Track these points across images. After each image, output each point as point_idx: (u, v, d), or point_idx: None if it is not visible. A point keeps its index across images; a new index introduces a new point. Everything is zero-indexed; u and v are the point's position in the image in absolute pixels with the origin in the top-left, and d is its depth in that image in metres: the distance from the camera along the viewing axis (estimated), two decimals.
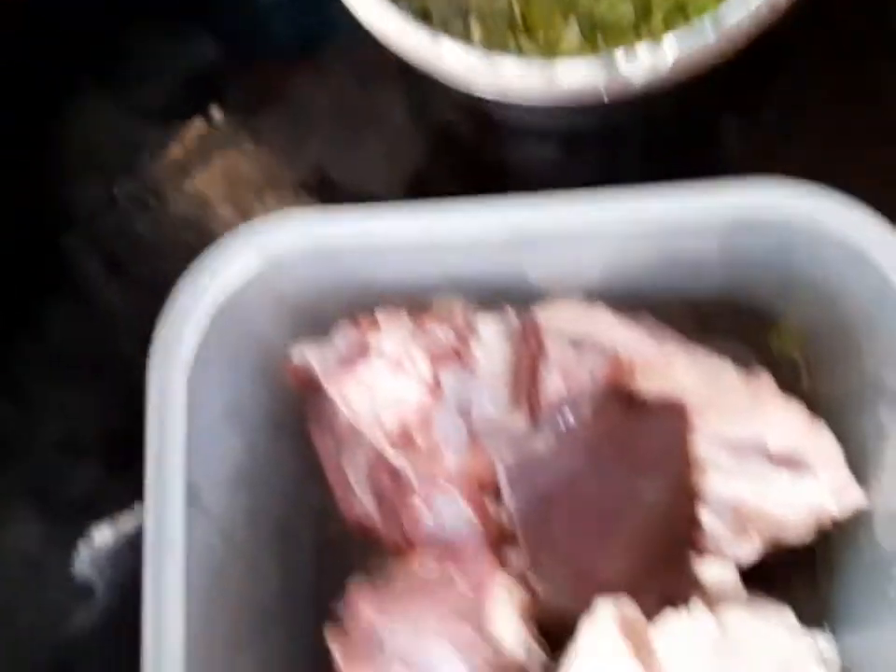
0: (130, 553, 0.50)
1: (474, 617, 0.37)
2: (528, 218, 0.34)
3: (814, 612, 0.44)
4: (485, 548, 0.39)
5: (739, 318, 0.47)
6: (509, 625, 0.37)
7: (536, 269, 0.40)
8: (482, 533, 0.40)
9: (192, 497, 0.37)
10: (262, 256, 0.36)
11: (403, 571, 0.40)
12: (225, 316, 0.37)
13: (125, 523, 0.51)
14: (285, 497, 0.44)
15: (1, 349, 0.53)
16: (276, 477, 0.44)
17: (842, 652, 0.41)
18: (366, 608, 0.39)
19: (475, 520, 0.40)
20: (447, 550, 0.40)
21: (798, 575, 0.45)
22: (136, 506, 0.51)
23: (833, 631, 0.43)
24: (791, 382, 0.44)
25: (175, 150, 0.52)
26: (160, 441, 0.37)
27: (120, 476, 0.51)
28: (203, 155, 0.53)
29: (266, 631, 0.43)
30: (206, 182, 0.52)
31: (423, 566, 0.40)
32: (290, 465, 0.45)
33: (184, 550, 0.36)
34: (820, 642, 0.41)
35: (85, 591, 0.51)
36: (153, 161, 0.52)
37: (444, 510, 0.40)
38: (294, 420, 0.46)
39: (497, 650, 0.37)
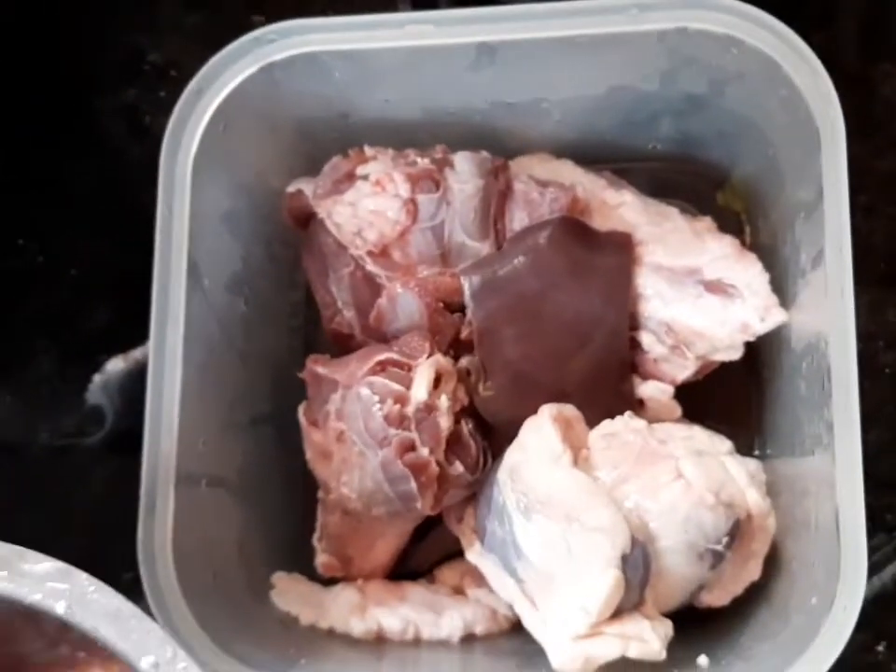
0: (139, 383, 0.56)
1: (401, 379, 0.43)
2: (491, 28, 0.40)
3: (746, 440, 0.49)
4: (427, 338, 0.44)
5: (691, 181, 0.52)
6: (423, 385, 0.42)
7: (509, 107, 0.45)
8: (428, 331, 0.45)
9: (194, 273, 0.42)
10: (261, 64, 0.42)
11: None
12: (227, 123, 0.43)
13: (135, 356, 0.57)
14: (276, 313, 0.50)
15: (29, 199, 0.58)
16: (270, 292, 0.49)
17: (769, 473, 0.45)
18: (316, 367, 0.45)
19: (426, 322, 0.45)
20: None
21: (733, 407, 0.50)
22: (146, 342, 0.57)
23: (763, 456, 0.48)
24: (735, 232, 0.49)
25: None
26: (166, 224, 0.42)
27: (133, 314, 0.56)
28: None
29: (255, 424, 0.48)
30: None
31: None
32: (282, 285, 0.50)
33: (184, 320, 0.41)
34: (750, 464, 0.45)
35: (97, 415, 0.57)
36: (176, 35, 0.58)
37: (404, 309, 0.46)
38: (287, 254, 0.51)
39: (411, 402, 0.42)
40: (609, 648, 0.39)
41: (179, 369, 0.42)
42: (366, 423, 0.43)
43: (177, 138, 0.42)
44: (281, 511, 0.50)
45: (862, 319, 0.50)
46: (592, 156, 0.51)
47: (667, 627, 0.41)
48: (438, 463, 0.43)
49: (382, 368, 0.44)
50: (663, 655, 0.39)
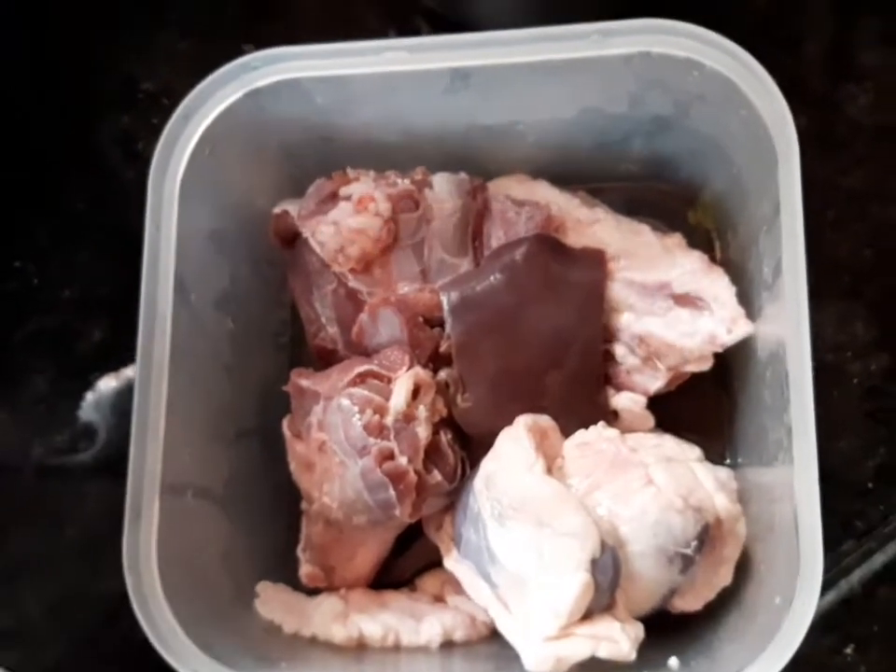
0: (130, 401, 0.58)
1: (381, 390, 0.45)
2: (463, 54, 0.42)
3: (717, 448, 0.50)
4: (406, 352, 0.46)
5: (662, 200, 0.54)
6: (402, 395, 0.44)
7: (485, 130, 0.47)
8: (408, 345, 0.47)
9: (181, 291, 0.44)
10: (246, 90, 0.44)
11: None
12: (214, 146, 0.45)
13: (127, 374, 0.59)
14: (262, 330, 0.52)
15: (28, 218, 0.60)
16: (256, 309, 0.51)
17: (740, 480, 0.46)
18: (299, 380, 0.47)
19: (405, 336, 0.47)
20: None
21: (704, 417, 0.51)
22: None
23: (735, 465, 0.50)
24: (705, 249, 0.50)
25: None
26: (153, 243, 0.44)
27: (126, 333, 0.58)
28: None
29: (241, 437, 0.50)
30: None
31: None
32: (268, 303, 0.52)
33: (171, 335, 0.43)
34: (720, 472, 0.46)
35: (89, 432, 0.58)
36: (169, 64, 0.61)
37: (385, 324, 0.47)
38: (273, 273, 0.53)
39: (390, 412, 0.44)
40: (579, 648, 0.40)
41: (165, 382, 0.43)
42: (346, 433, 0.45)
43: (165, 161, 0.44)
44: (266, 522, 0.51)
45: (831, 331, 0.52)
46: (567, 176, 0.53)
47: (638, 629, 0.42)
48: (416, 472, 0.45)
49: (362, 379, 0.46)
50: (632, 656, 0.40)
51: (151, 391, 0.43)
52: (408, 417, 0.45)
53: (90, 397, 0.59)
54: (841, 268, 0.53)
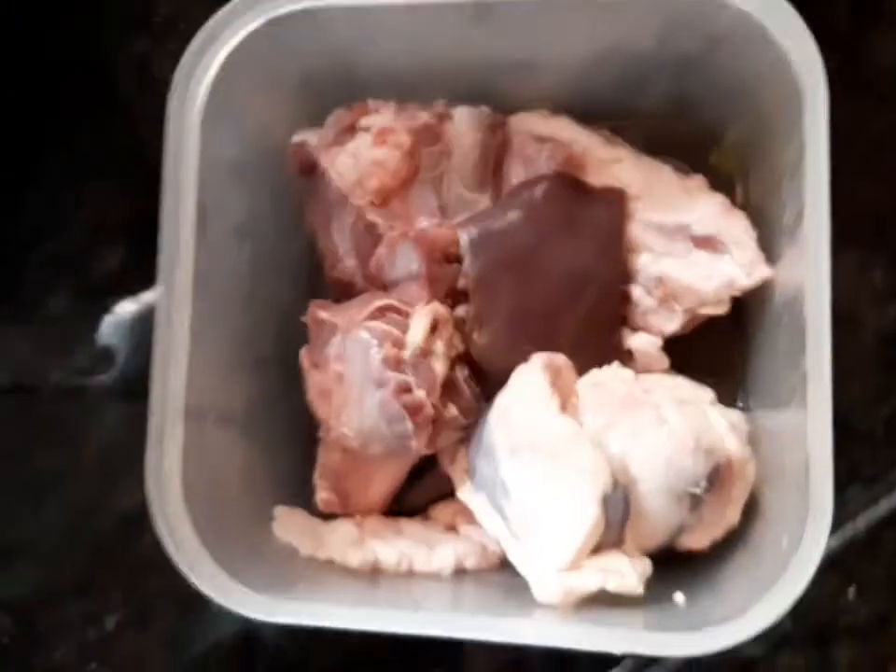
0: (149, 325, 0.58)
1: (399, 324, 0.45)
2: None
3: (730, 391, 0.51)
4: (424, 287, 0.46)
5: (685, 139, 0.53)
6: (419, 330, 0.45)
7: (507, 65, 0.47)
8: (426, 280, 0.47)
9: (202, 220, 0.44)
10: (267, 18, 0.43)
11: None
12: (233, 75, 0.44)
13: (145, 298, 0.59)
14: (280, 260, 0.52)
15: (45, 141, 0.60)
16: (274, 239, 0.51)
17: (751, 423, 0.47)
18: (318, 311, 0.47)
19: (424, 271, 0.47)
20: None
21: (718, 360, 0.52)
22: (155, 285, 0.59)
23: (746, 408, 0.50)
24: (726, 191, 0.50)
25: None
26: (174, 172, 0.44)
27: (143, 260, 0.59)
28: None
29: (260, 365, 0.50)
30: None
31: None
32: (286, 233, 0.52)
33: (193, 265, 0.43)
34: (732, 414, 0.47)
35: (108, 355, 0.59)
36: None
37: (403, 258, 0.47)
38: (291, 203, 0.53)
39: (408, 346, 0.45)
40: (588, 581, 0.42)
41: (188, 309, 0.43)
42: (364, 365, 0.45)
43: (184, 89, 0.44)
44: (284, 448, 0.52)
45: (849, 277, 0.52)
46: (589, 111, 0.52)
47: (646, 564, 0.43)
48: (432, 405, 0.45)
49: (381, 313, 0.46)
50: (640, 590, 0.42)
51: (174, 318, 0.43)
52: (425, 352, 0.45)
53: (108, 320, 0.59)
54: (863, 215, 0.52)
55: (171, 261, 0.43)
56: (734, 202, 0.50)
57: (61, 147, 0.60)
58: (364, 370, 0.45)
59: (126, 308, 0.59)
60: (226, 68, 0.44)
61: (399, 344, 0.45)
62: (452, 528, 0.51)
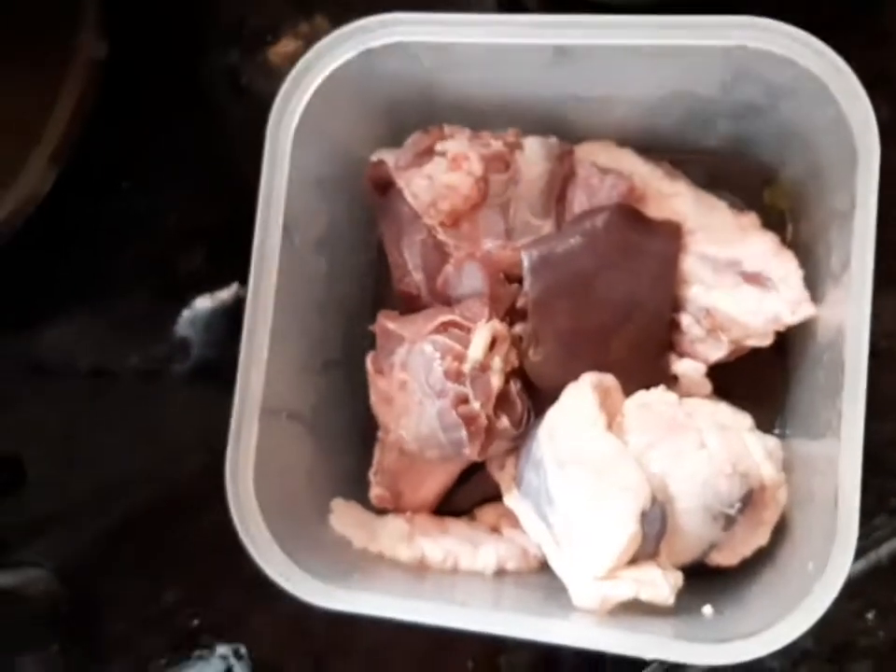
0: (223, 320, 0.63)
1: (461, 339, 0.49)
2: (568, 34, 0.45)
3: (768, 418, 0.53)
4: (486, 305, 0.50)
5: (742, 176, 0.56)
6: (479, 346, 0.48)
7: (578, 100, 0.50)
8: (488, 299, 0.50)
9: (287, 232, 0.48)
10: (361, 49, 0.47)
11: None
12: (326, 100, 0.48)
13: (221, 296, 0.63)
14: (351, 270, 0.56)
15: (136, 147, 0.64)
16: (347, 251, 0.55)
17: (786, 450, 0.50)
18: (386, 322, 0.51)
19: (487, 290, 0.50)
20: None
21: (759, 388, 0.54)
22: (233, 285, 0.63)
23: (783, 435, 0.53)
24: (778, 229, 0.53)
25: None
26: (268, 187, 0.48)
27: (223, 260, 0.63)
28: None
29: (328, 368, 0.54)
30: None
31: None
32: (358, 245, 0.56)
33: (277, 270, 0.47)
34: (769, 441, 0.50)
35: (184, 346, 0.63)
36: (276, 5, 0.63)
37: (468, 277, 0.51)
38: (364, 217, 0.57)
39: (468, 360, 0.48)
40: (623, 589, 0.45)
41: (270, 315, 0.47)
42: (427, 375, 0.49)
43: (283, 111, 0.47)
44: (345, 446, 0.56)
45: (889, 318, 0.55)
46: (651, 147, 0.55)
47: (678, 577, 0.46)
48: (487, 416, 0.49)
49: (444, 328, 0.49)
50: (671, 601, 0.45)
51: (258, 323, 0.47)
52: (483, 366, 0.49)
53: (186, 314, 0.63)
54: None
55: (258, 271, 0.47)
56: (784, 240, 0.53)
57: (156, 149, 0.64)
58: (426, 379, 0.49)
59: (203, 304, 0.63)
60: (320, 93, 0.47)
61: (459, 358, 0.48)
62: (495, 530, 0.54)
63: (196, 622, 0.61)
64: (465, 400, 0.48)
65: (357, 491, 0.55)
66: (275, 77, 0.51)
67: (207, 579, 0.61)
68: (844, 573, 0.40)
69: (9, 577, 0.63)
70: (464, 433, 0.48)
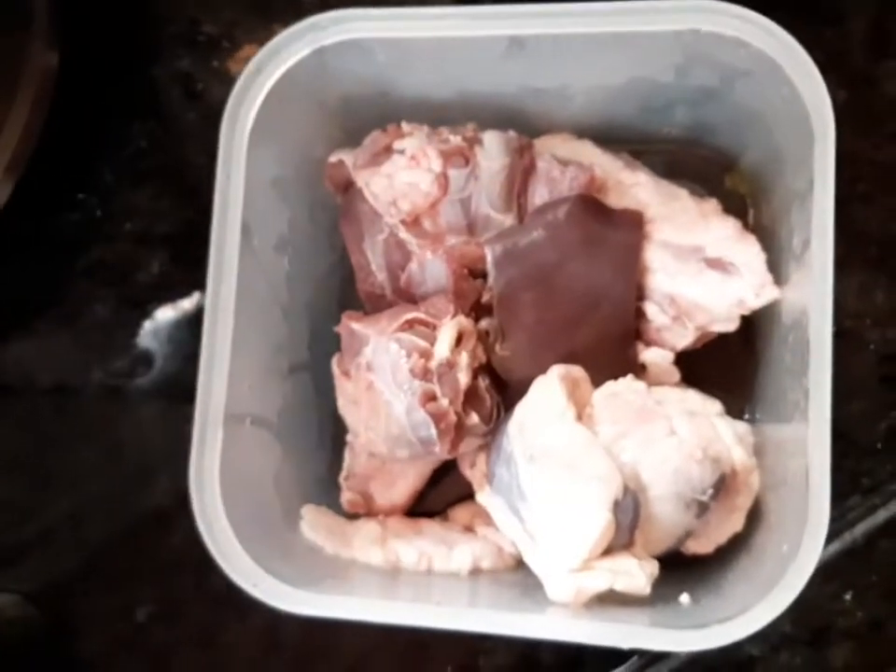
0: (186, 331, 0.62)
1: (427, 336, 0.48)
2: (522, 24, 0.44)
3: (738, 404, 0.53)
4: (451, 301, 0.49)
5: (702, 164, 0.56)
6: (446, 343, 0.48)
7: (536, 92, 0.50)
8: (453, 294, 0.50)
9: (246, 235, 0.47)
10: (313, 47, 0.46)
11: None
12: (281, 99, 0.47)
13: (183, 305, 0.62)
14: (314, 271, 0.55)
15: (90, 155, 0.63)
16: (310, 252, 0.54)
17: (757, 435, 0.49)
18: (350, 323, 0.50)
19: (451, 286, 0.50)
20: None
21: (728, 374, 0.54)
22: (195, 293, 0.62)
23: (753, 420, 0.53)
24: (739, 214, 0.53)
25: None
26: (224, 189, 0.47)
27: (183, 267, 0.62)
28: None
29: (293, 371, 0.54)
30: None
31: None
32: (320, 246, 0.55)
33: (237, 273, 0.46)
34: (739, 426, 0.50)
35: (147, 358, 0.62)
36: (228, 8, 0.63)
37: (432, 274, 0.50)
38: (326, 218, 0.56)
39: (434, 357, 0.48)
40: (599, 580, 0.44)
41: (231, 319, 0.46)
42: (393, 374, 0.48)
43: (236, 113, 0.47)
44: (313, 451, 0.55)
45: (853, 299, 0.55)
46: (610, 136, 0.55)
47: (653, 566, 0.46)
48: (456, 413, 0.48)
49: (410, 325, 0.49)
50: (647, 590, 0.44)
51: (218, 328, 0.46)
52: (451, 363, 0.48)
53: (147, 325, 0.62)
54: (868, 239, 0.55)
55: (218, 277, 0.46)
56: (746, 224, 0.53)
57: (111, 157, 0.63)
58: (393, 378, 0.48)
59: (165, 314, 0.62)
60: (274, 94, 0.47)
61: (426, 355, 0.47)
62: (469, 529, 0.54)
63: (169, 637, 0.60)
64: (433, 398, 0.48)
65: (327, 496, 0.55)
66: (234, 83, 0.50)
67: (180, 594, 0.60)
68: (817, 553, 0.40)
69: None
70: (433, 431, 0.48)
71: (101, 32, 0.64)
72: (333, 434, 0.56)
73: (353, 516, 0.54)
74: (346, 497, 0.54)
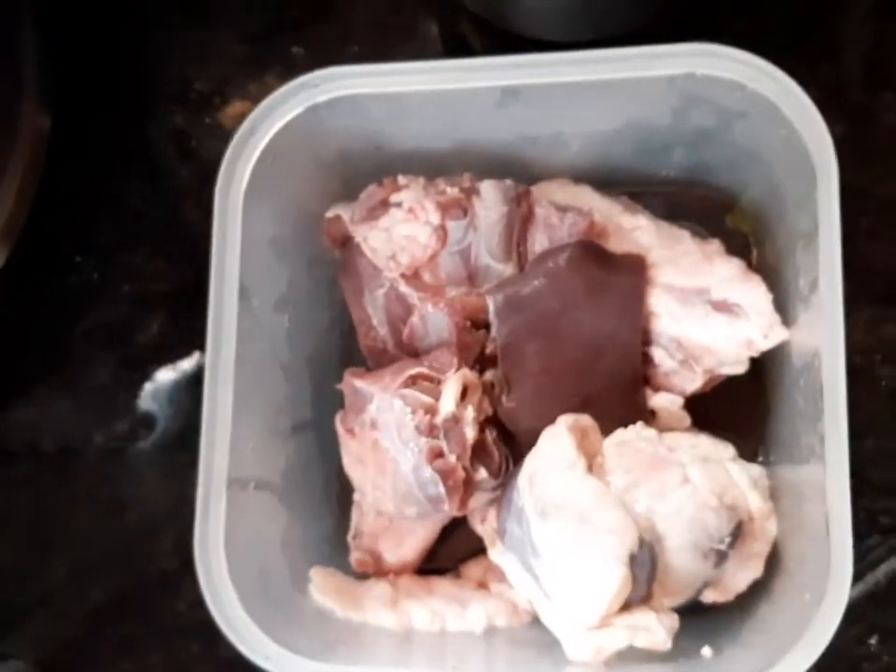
0: (187, 392, 0.61)
1: (431, 391, 0.47)
2: (515, 74, 0.44)
3: (750, 447, 0.52)
4: (455, 354, 0.48)
5: (702, 204, 0.56)
6: (451, 397, 0.47)
7: (531, 139, 0.50)
8: (456, 347, 0.49)
9: (244, 295, 0.46)
10: (307, 105, 0.46)
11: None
12: (275, 157, 0.47)
13: (183, 366, 0.62)
14: (314, 328, 0.54)
15: (85, 217, 0.63)
16: (310, 308, 0.54)
17: (771, 478, 0.48)
18: (353, 380, 0.49)
19: (454, 338, 0.50)
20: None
21: (739, 417, 0.53)
22: (195, 353, 0.61)
23: (767, 463, 0.52)
24: (743, 253, 0.52)
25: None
26: (220, 252, 0.46)
27: (182, 327, 0.62)
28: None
29: (297, 431, 0.53)
30: None
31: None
32: (320, 302, 0.55)
33: (236, 338, 0.46)
34: (753, 469, 0.49)
35: (148, 420, 0.62)
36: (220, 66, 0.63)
37: (434, 326, 0.50)
38: (325, 273, 0.56)
39: (440, 412, 0.47)
40: (618, 638, 0.43)
41: (231, 382, 0.46)
42: (399, 431, 0.47)
43: (231, 174, 0.46)
44: (319, 511, 0.54)
45: (861, 334, 0.54)
46: (608, 180, 0.54)
47: (673, 620, 0.45)
48: (464, 468, 0.47)
49: (413, 381, 0.48)
50: (668, 645, 0.43)
51: (219, 393, 0.46)
52: (456, 417, 0.47)
53: (148, 387, 0.62)
54: (874, 273, 0.54)
55: (216, 339, 0.46)
56: (750, 264, 0.52)
57: (106, 218, 0.63)
58: (398, 436, 0.47)
59: (165, 376, 0.61)
60: (268, 152, 0.46)
61: (431, 411, 0.47)
62: (483, 586, 0.52)
63: None
64: (440, 454, 0.47)
65: (335, 557, 0.54)
66: (227, 139, 0.49)
67: (188, 660, 0.59)
68: (843, 602, 0.39)
69: None
70: (441, 488, 0.47)
71: (92, 92, 0.64)
72: (339, 493, 0.55)
73: (362, 576, 0.53)
74: (355, 556, 0.53)
